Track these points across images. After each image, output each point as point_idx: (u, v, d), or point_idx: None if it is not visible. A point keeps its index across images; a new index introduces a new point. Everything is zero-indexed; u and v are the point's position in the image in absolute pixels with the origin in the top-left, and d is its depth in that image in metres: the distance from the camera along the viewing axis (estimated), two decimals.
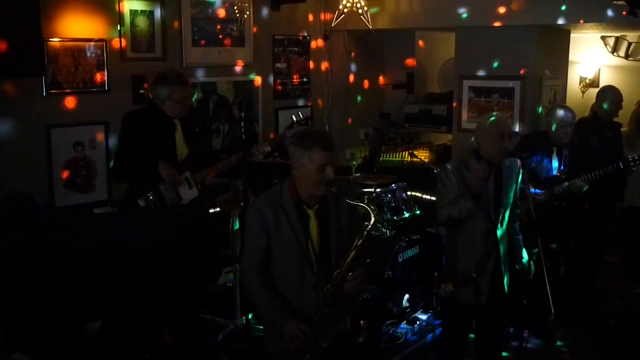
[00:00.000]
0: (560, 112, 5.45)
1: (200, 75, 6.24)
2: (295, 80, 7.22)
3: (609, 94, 5.97)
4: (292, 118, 4.91)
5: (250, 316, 5.04)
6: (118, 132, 5.24)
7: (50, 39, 5.15)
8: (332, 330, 3.23)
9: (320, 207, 3.31)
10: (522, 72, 6.42)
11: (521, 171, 4.22)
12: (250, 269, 3.29)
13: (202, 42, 6.23)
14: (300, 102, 7.31)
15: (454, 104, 6.93)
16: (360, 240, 3.19)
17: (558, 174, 5.46)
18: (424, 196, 6.00)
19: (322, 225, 3.31)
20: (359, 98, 7.82)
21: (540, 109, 6.55)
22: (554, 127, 5.46)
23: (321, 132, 3.34)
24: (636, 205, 6.18)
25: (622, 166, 5.32)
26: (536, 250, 4.23)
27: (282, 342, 3.23)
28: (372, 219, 3.22)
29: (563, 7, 5.93)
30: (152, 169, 4.59)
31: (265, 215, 3.24)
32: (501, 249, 4.14)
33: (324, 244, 3.30)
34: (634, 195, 6.12)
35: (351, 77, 7.69)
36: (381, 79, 8.03)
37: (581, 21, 5.96)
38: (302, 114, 4.96)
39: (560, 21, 6.02)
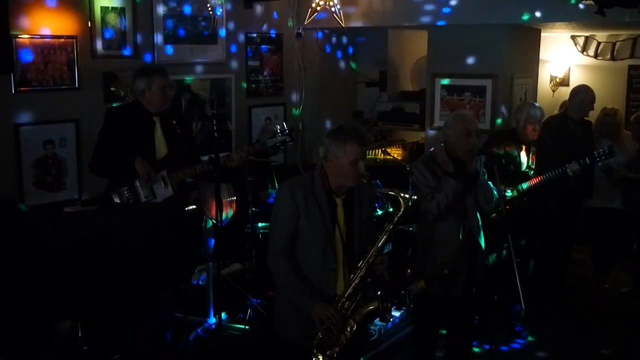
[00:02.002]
0: (528, 110, 5.55)
1: (172, 73, 6.18)
2: (268, 78, 7.20)
3: (582, 93, 6.02)
4: (276, 127, 4.92)
5: (223, 315, 5.04)
6: (89, 129, 5.30)
7: (19, 36, 5.08)
8: (363, 309, 3.40)
9: (347, 197, 3.49)
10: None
11: (490, 167, 4.26)
12: (280, 252, 3.41)
13: (174, 39, 6.19)
14: (274, 100, 7.30)
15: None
16: (391, 226, 3.46)
17: (526, 171, 5.54)
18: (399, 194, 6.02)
19: (348, 214, 3.49)
20: (331, 96, 7.82)
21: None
22: (521, 124, 5.55)
23: (357, 128, 3.46)
24: (597, 207, 6.29)
25: (588, 162, 5.40)
26: (505, 245, 4.28)
27: (302, 324, 3.39)
28: (402, 207, 3.46)
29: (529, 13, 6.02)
30: (129, 165, 4.57)
31: (297, 198, 3.38)
32: (482, 242, 4.19)
33: (349, 231, 3.48)
34: (595, 196, 6.22)
35: (324, 75, 7.69)
36: None
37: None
38: (286, 124, 4.98)
39: (530, 20, 6.10)
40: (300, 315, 3.40)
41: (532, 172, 5.58)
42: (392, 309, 3.74)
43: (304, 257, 3.43)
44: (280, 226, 3.43)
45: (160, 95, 4.65)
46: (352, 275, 3.43)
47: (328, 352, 3.36)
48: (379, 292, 4.63)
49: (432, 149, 4.35)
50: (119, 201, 4.60)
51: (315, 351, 3.35)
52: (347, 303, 3.40)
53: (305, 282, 3.38)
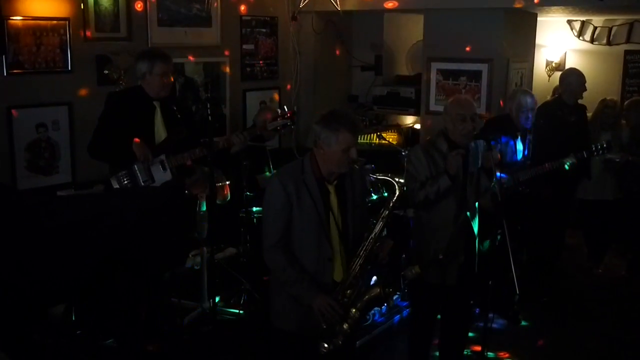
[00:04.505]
0: (520, 98, 5.51)
1: None
2: (263, 61, 7.15)
3: (571, 77, 6.01)
4: (277, 111, 4.92)
5: (217, 299, 5.02)
6: (82, 112, 5.35)
7: (11, 17, 5.03)
8: (365, 296, 3.39)
9: (339, 183, 3.45)
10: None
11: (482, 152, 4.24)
12: (275, 245, 3.37)
13: (168, 22, 6.13)
14: (268, 84, 7.26)
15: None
16: (387, 212, 3.44)
17: (522, 159, 5.52)
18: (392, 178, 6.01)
19: (341, 200, 3.45)
20: (327, 80, 7.78)
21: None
22: (514, 113, 5.52)
23: (348, 114, 3.41)
24: (589, 199, 6.28)
25: (585, 155, 5.38)
26: (500, 231, 4.27)
27: (301, 314, 3.36)
28: (397, 191, 3.43)
29: None
30: (128, 149, 4.55)
31: (289, 189, 3.33)
32: (474, 228, 4.18)
33: (344, 217, 3.45)
34: (586, 188, 6.22)
35: (319, 59, 7.65)
36: None
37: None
38: (287, 107, 4.97)
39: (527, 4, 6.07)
40: (298, 306, 3.36)
41: (528, 161, 5.56)
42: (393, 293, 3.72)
43: (300, 248, 3.39)
44: (274, 219, 3.37)
45: (159, 81, 4.62)
46: (350, 263, 3.40)
47: (333, 341, 3.33)
48: (377, 278, 4.64)
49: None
50: (117, 186, 4.57)
51: (319, 342, 3.32)
52: (348, 291, 3.37)
53: (303, 273, 3.34)
